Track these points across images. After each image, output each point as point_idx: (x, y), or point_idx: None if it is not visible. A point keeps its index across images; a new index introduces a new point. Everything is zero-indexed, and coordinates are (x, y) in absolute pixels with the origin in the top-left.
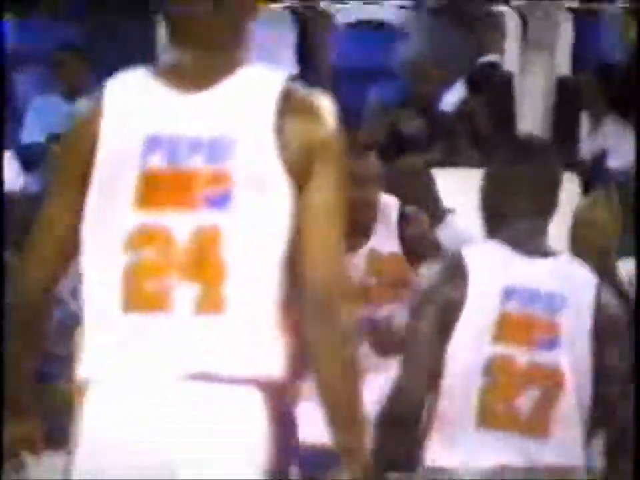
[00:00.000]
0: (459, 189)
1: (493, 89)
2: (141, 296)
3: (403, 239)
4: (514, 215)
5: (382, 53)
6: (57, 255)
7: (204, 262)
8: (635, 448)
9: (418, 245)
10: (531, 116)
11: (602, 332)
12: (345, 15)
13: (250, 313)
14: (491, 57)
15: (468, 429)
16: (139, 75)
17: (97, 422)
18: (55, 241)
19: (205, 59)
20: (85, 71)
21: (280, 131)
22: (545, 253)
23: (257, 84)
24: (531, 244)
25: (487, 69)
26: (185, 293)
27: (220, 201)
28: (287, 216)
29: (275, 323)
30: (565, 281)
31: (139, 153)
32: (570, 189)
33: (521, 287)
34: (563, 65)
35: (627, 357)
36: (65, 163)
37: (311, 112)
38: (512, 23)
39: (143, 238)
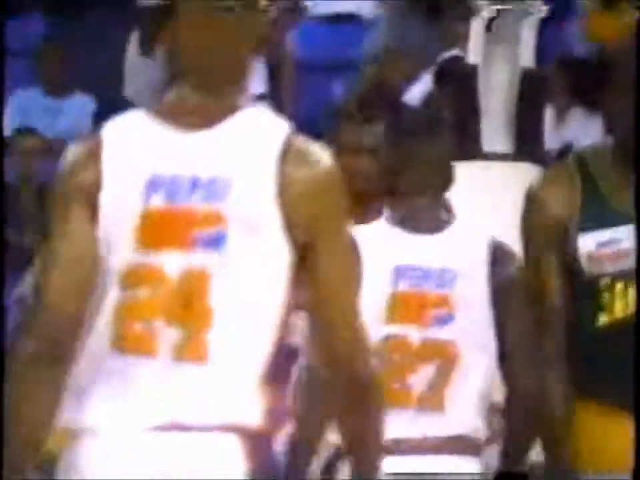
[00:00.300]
0: None
1: (458, 82)
2: (129, 337)
3: None
4: (404, 193)
5: (352, 45)
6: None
7: (190, 305)
8: (635, 447)
9: None
10: (495, 109)
11: (500, 295)
12: (316, 7)
13: (233, 364)
14: (456, 50)
15: None
16: (138, 116)
17: (79, 470)
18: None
19: (207, 98)
20: (66, 65)
21: (280, 177)
22: (437, 228)
23: (260, 127)
24: (423, 221)
25: (452, 62)
26: (168, 337)
27: (212, 242)
28: (283, 266)
29: (258, 375)
30: (457, 253)
31: (140, 194)
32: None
33: (411, 266)
34: (527, 57)
35: (527, 321)
36: (71, 205)
37: (314, 164)
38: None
39: (137, 276)
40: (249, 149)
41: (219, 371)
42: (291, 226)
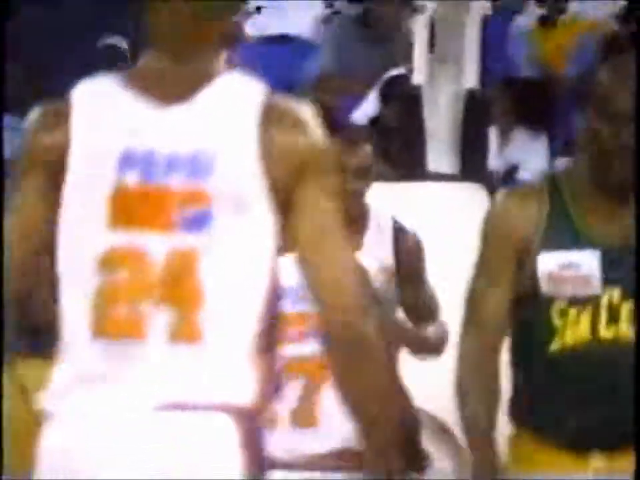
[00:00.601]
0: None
1: (403, 102)
2: (112, 321)
3: (397, 251)
4: None
5: (291, 67)
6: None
7: (179, 287)
8: (635, 446)
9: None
10: (440, 129)
11: None
12: (254, 28)
13: (225, 342)
14: (400, 70)
15: None
16: (109, 83)
17: (60, 455)
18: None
19: (179, 66)
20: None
21: (263, 144)
22: None
23: (237, 94)
24: None
25: (396, 82)
26: (159, 319)
27: (198, 222)
28: (270, 239)
29: (250, 351)
30: None
31: (111, 169)
32: (479, 202)
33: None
34: (471, 78)
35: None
36: (29, 172)
37: (295, 123)
38: (420, 35)
39: (116, 259)
40: (227, 120)
41: (213, 349)
42: (275, 190)
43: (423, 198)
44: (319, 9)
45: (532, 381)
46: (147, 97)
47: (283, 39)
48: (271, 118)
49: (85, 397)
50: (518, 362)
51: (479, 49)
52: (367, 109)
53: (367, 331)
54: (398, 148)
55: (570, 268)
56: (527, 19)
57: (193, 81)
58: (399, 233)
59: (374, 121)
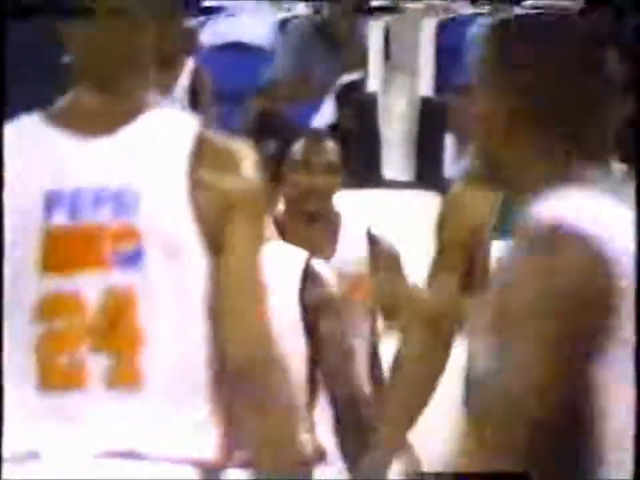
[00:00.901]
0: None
1: (358, 109)
2: (55, 372)
3: (372, 261)
4: None
5: (247, 74)
6: None
7: (117, 328)
8: (635, 445)
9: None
10: (395, 136)
11: (310, 311)
12: (209, 36)
13: (171, 387)
14: (354, 76)
15: None
16: (33, 122)
17: None
18: None
19: (106, 101)
20: None
21: (193, 183)
22: None
23: (167, 129)
24: None
25: (351, 88)
26: (97, 364)
27: (131, 259)
28: (204, 280)
29: (204, 398)
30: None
31: (40, 210)
32: (434, 209)
33: None
34: (426, 85)
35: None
36: None
37: (227, 162)
38: (375, 42)
39: (52, 305)
40: (156, 154)
41: (157, 394)
42: (206, 231)
43: (378, 205)
44: (274, 16)
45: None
46: (72, 132)
47: (238, 46)
48: (202, 155)
49: (29, 445)
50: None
51: (435, 56)
52: (324, 115)
53: (271, 384)
54: (353, 155)
55: None
56: (482, 26)
57: (121, 114)
58: (374, 243)
59: (332, 128)
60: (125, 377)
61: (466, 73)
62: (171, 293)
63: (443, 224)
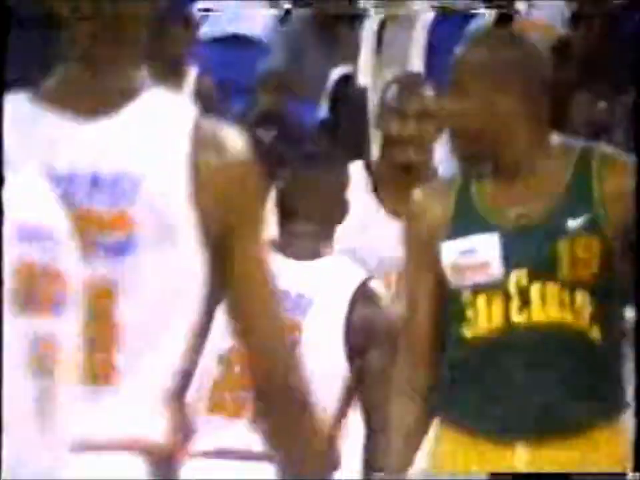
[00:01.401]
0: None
1: (349, 103)
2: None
3: None
4: (289, 221)
5: (245, 66)
6: None
7: (96, 321)
8: (634, 444)
9: None
10: None
11: (355, 335)
12: (207, 29)
13: (141, 383)
14: (346, 70)
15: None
16: (20, 101)
17: None
18: None
19: (100, 79)
20: None
21: (192, 168)
22: (314, 256)
23: (166, 112)
24: (303, 248)
25: (342, 83)
26: (74, 358)
27: (120, 249)
28: (198, 276)
29: (166, 391)
30: (318, 283)
31: None
32: None
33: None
34: None
35: (384, 361)
36: None
37: (226, 147)
38: (367, 37)
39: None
40: (155, 139)
41: (128, 390)
42: (205, 222)
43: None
44: (271, 10)
45: (453, 373)
46: (63, 113)
47: (236, 39)
48: (204, 142)
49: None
50: (440, 354)
51: (426, 53)
52: (321, 109)
53: (293, 383)
54: (344, 149)
55: (470, 255)
56: (479, 22)
57: (117, 94)
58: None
59: (326, 122)
60: (98, 371)
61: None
62: (159, 287)
63: (405, 232)
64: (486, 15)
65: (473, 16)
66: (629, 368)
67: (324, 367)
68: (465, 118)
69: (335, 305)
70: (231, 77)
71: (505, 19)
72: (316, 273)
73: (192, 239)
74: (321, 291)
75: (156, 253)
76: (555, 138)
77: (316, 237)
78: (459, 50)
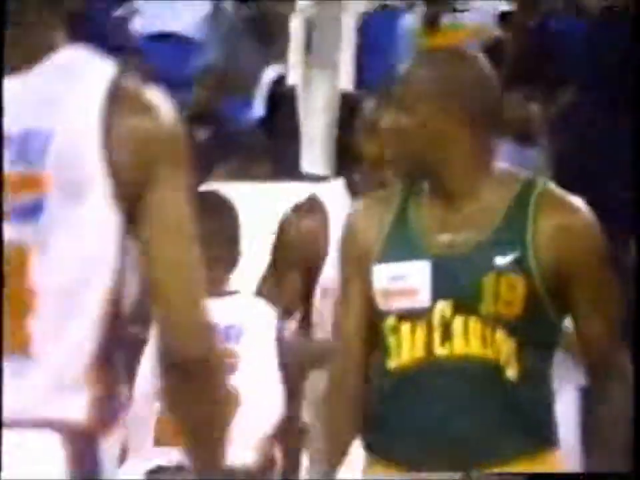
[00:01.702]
0: (253, 202)
1: (279, 102)
2: None
3: None
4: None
5: (175, 64)
6: None
7: (10, 289)
8: (634, 443)
9: None
10: (315, 131)
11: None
12: (139, 26)
13: (58, 353)
14: (277, 70)
15: None
16: None
17: None
18: None
19: (12, 36)
20: None
21: (105, 128)
22: (226, 293)
23: (81, 70)
24: (216, 287)
25: (274, 82)
26: None
27: (29, 212)
28: (111, 235)
29: (86, 366)
30: (244, 314)
31: None
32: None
33: None
34: (347, 80)
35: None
36: None
37: (145, 107)
38: (296, 35)
39: None
40: (67, 97)
41: (43, 360)
42: (118, 179)
43: (295, 199)
44: (204, 7)
45: (380, 404)
46: None
47: (168, 37)
48: (118, 99)
49: None
50: (369, 384)
51: (356, 51)
52: (255, 107)
53: (205, 354)
54: (274, 148)
55: (400, 280)
56: (411, 20)
57: (31, 50)
58: None
59: (262, 121)
60: (12, 343)
61: (392, 67)
62: (71, 251)
63: (339, 249)
64: (417, 13)
65: (404, 13)
66: (552, 409)
67: (261, 390)
68: (406, 136)
69: (265, 330)
70: (164, 74)
71: (435, 17)
72: (237, 305)
73: (103, 195)
74: (249, 319)
75: (66, 213)
76: (498, 167)
77: (223, 276)
78: (404, 66)
